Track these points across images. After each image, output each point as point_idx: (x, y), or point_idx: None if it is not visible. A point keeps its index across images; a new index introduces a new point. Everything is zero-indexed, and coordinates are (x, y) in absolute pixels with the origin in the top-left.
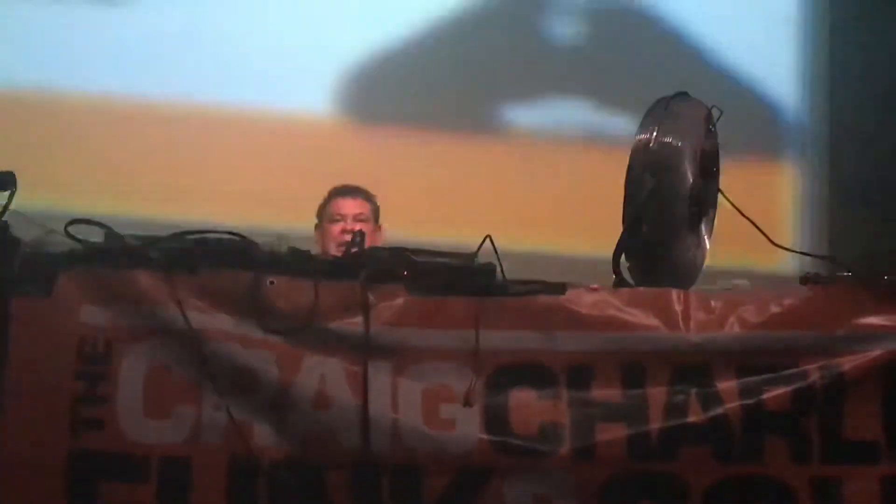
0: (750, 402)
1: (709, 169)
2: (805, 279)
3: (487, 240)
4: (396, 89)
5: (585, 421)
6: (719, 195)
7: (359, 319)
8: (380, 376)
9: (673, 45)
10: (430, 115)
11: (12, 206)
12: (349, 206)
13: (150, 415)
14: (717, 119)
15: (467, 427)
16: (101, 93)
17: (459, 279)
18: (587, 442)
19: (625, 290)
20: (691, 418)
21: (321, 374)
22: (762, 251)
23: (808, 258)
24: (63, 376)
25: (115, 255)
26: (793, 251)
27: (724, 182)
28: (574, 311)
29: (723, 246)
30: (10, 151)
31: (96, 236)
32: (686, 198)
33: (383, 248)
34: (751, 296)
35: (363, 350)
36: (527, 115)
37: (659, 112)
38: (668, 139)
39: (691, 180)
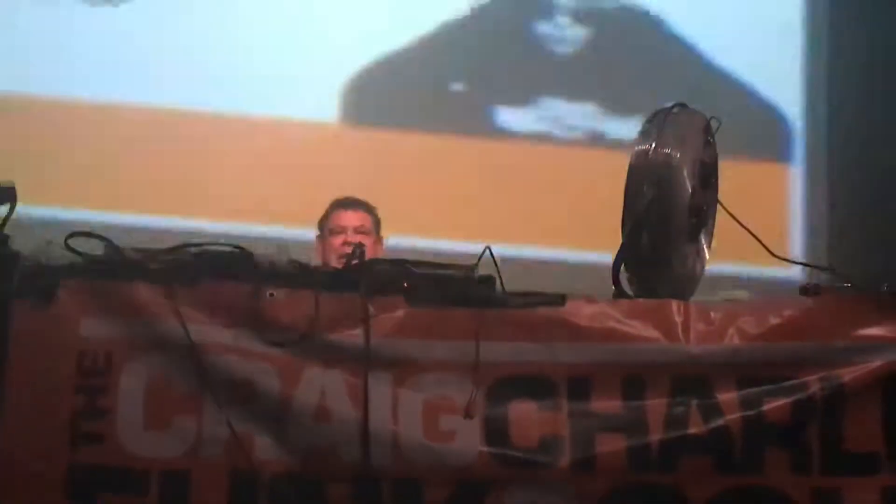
0: (750, 413)
1: (708, 179)
2: (805, 290)
3: (487, 251)
4: (398, 94)
5: (585, 432)
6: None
7: (359, 331)
8: (380, 388)
9: (675, 49)
10: (433, 120)
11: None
12: (350, 219)
13: (150, 428)
14: (716, 130)
15: (468, 439)
16: (103, 99)
17: (460, 291)
18: (587, 454)
19: (624, 302)
20: (691, 430)
21: (321, 386)
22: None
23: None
24: (62, 389)
25: (114, 267)
26: (791, 262)
27: (726, 188)
28: (574, 323)
29: (727, 251)
30: (13, 157)
31: (96, 248)
32: (685, 209)
33: (383, 260)
34: (750, 307)
35: (363, 362)
36: (529, 120)
37: (658, 123)
38: (667, 150)
39: (690, 191)
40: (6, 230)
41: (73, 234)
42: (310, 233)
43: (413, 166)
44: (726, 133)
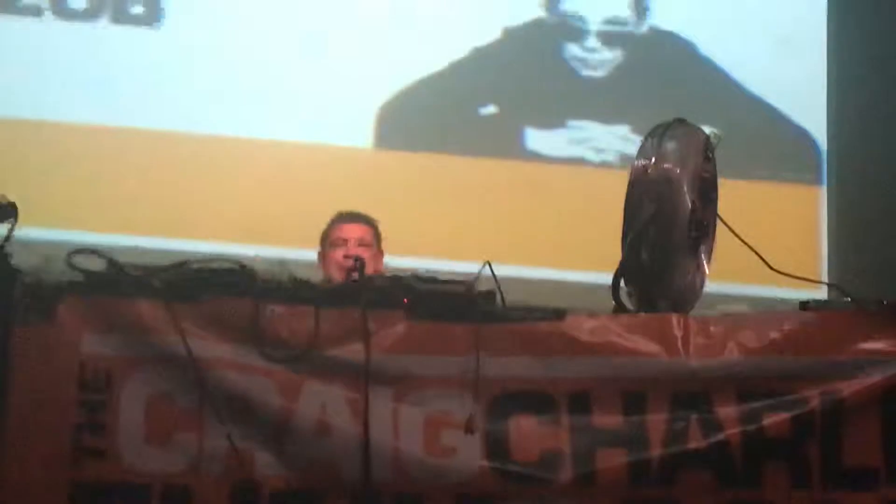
0: (750, 427)
1: (708, 194)
2: (805, 305)
3: (487, 266)
4: (431, 118)
5: (586, 447)
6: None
7: (359, 347)
8: (380, 403)
9: (704, 72)
10: (465, 143)
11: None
12: (352, 231)
13: (151, 443)
14: (716, 145)
15: (468, 454)
16: (144, 125)
17: (459, 306)
18: (588, 468)
19: (625, 317)
20: (691, 444)
21: (322, 401)
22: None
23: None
24: (64, 405)
25: (115, 283)
26: (792, 276)
27: (759, 209)
28: (574, 338)
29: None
30: (21, 176)
31: (96, 264)
32: (685, 224)
33: (383, 276)
34: (750, 321)
35: (363, 377)
36: (560, 143)
37: (657, 138)
38: (667, 166)
39: (690, 206)
40: (7, 247)
41: (74, 251)
42: None
43: (446, 190)
44: (757, 155)
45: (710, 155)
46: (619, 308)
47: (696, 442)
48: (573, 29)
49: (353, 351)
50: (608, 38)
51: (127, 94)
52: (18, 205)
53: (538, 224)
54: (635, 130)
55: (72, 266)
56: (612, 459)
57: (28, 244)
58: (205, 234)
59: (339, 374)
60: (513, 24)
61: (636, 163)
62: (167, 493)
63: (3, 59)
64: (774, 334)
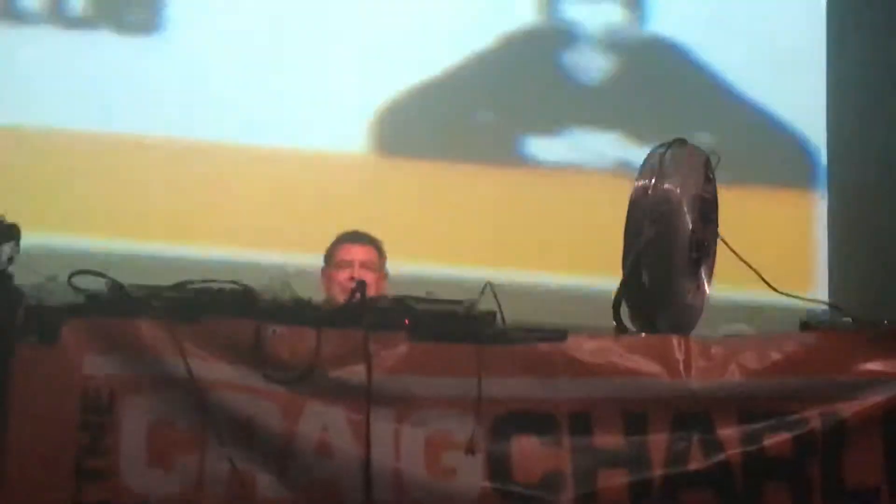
0: (751, 448)
1: (708, 215)
2: (805, 325)
3: (488, 287)
4: (427, 124)
5: (587, 468)
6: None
7: (361, 368)
8: (382, 424)
9: (700, 79)
10: (461, 150)
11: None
12: (357, 253)
13: (153, 465)
14: (716, 166)
15: (470, 475)
16: (130, 131)
17: (461, 327)
18: (589, 489)
19: (626, 337)
20: (693, 465)
21: (323, 423)
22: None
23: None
24: (66, 427)
25: (117, 305)
26: (792, 296)
27: (752, 216)
28: (575, 359)
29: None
30: (20, 184)
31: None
32: (685, 245)
33: (385, 297)
34: (751, 342)
35: (365, 398)
36: (556, 149)
37: (657, 159)
38: (667, 186)
39: (690, 227)
40: (9, 269)
41: (76, 273)
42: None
43: (442, 196)
44: (752, 162)
45: (711, 175)
46: (620, 328)
47: (697, 462)
48: (570, 36)
49: (354, 372)
50: (605, 45)
51: (125, 101)
52: (17, 212)
53: (535, 230)
54: (632, 137)
55: (73, 287)
56: (614, 480)
57: (30, 259)
58: (205, 240)
59: (340, 395)
60: (509, 30)
61: (636, 183)
62: None
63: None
64: (775, 355)
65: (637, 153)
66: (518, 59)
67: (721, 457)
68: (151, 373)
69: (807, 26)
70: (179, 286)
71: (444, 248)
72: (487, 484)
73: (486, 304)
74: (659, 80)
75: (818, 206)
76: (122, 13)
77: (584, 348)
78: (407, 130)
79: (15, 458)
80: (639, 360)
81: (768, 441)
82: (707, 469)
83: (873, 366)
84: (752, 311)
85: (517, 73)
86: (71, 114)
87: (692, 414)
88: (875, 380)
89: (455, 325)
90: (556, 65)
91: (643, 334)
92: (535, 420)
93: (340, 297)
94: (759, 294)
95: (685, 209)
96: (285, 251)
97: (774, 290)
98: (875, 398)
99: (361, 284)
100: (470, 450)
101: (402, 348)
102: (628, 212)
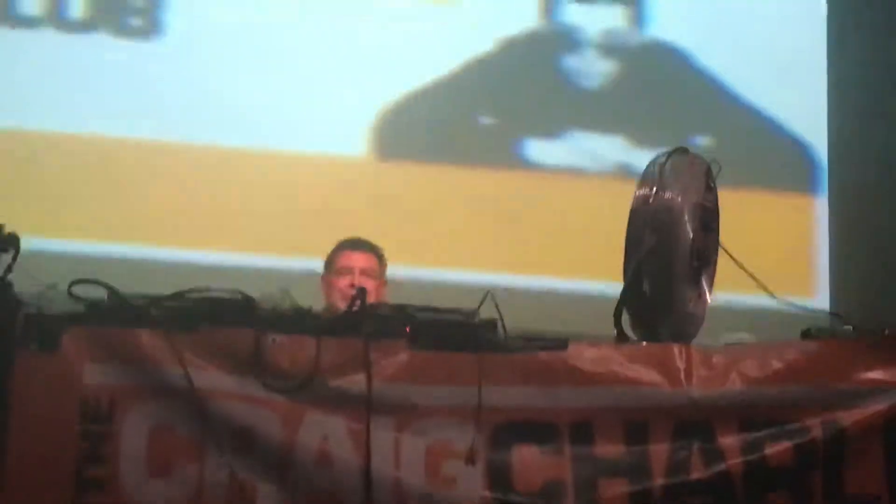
0: (752, 457)
1: (709, 223)
2: (806, 334)
3: (489, 296)
4: (427, 128)
5: (588, 477)
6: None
7: (361, 376)
8: (382, 433)
9: (701, 83)
10: (461, 153)
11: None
12: (357, 260)
13: (153, 474)
14: (717, 174)
15: (470, 484)
16: (131, 135)
17: (461, 335)
18: (590, 498)
19: (627, 346)
20: (694, 474)
21: (323, 432)
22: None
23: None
24: (66, 436)
25: (117, 314)
26: (795, 306)
27: (753, 220)
28: (576, 367)
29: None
30: (22, 187)
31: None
32: (686, 253)
33: (385, 305)
34: (752, 351)
35: (365, 407)
36: (557, 153)
37: (658, 168)
38: (668, 195)
39: (691, 236)
40: (9, 278)
41: (76, 281)
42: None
43: (442, 199)
44: (752, 166)
45: (712, 184)
46: (622, 337)
47: (698, 471)
48: (570, 40)
49: (354, 381)
50: (605, 50)
51: (125, 105)
52: (16, 215)
53: (535, 233)
54: (632, 141)
55: (73, 296)
56: (615, 489)
57: (31, 263)
58: (204, 244)
59: (340, 404)
60: (510, 34)
61: (637, 191)
62: None
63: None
64: (776, 364)
65: (638, 157)
66: (518, 62)
67: (722, 466)
68: (151, 382)
69: (807, 28)
70: (179, 295)
71: (445, 252)
72: (488, 493)
73: (486, 312)
74: (659, 84)
75: (819, 209)
76: (121, 17)
77: (584, 357)
78: (407, 134)
79: (15, 466)
80: (640, 369)
81: (769, 450)
82: (708, 478)
83: (874, 374)
84: (753, 317)
85: (518, 77)
86: (70, 117)
87: (693, 423)
88: (876, 388)
89: (455, 334)
90: (557, 69)
91: (644, 343)
92: (536, 429)
93: (341, 304)
94: (760, 300)
95: (686, 218)
96: (285, 255)
97: (775, 297)
98: (876, 406)
99: (361, 292)
100: (470, 459)
101: (403, 357)
102: (629, 220)
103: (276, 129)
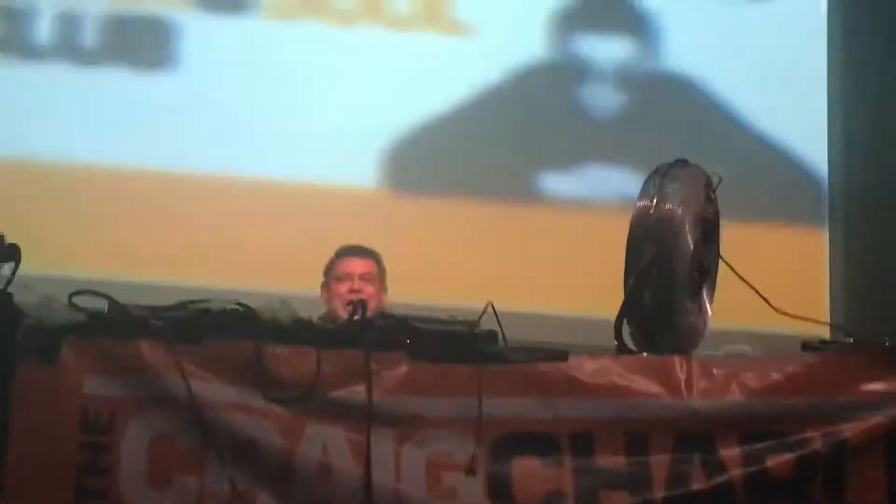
0: (753, 469)
1: (710, 235)
2: (806, 345)
3: (490, 307)
4: (440, 159)
5: (589, 489)
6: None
7: (361, 388)
8: (382, 445)
9: (716, 114)
10: (474, 185)
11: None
12: (357, 266)
13: (152, 485)
14: (717, 185)
15: (470, 496)
16: (111, 164)
17: (462, 347)
18: None
19: (627, 358)
20: (695, 486)
21: (323, 443)
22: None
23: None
24: (66, 446)
25: (118, 324)
26: (794, 316)
27: (768, 252)
28: (576, 379)
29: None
30: (27, 218)
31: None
32: (687, 265)
33: (385, 316)
34: (753, 363)
35: (366, 419)
36: (570, 184)
37: (659, 179)
38: (669, 206)
39: (692, 247)
40: (9, 288)
41: (77, 292)
42: None
43: (454, 231)
44: (765, 197)
45: (712, 195)
46: (622, 349)
47: (699, 483)
48: (583, 71)
49: (355, 392)
50: (618, 81)
51: (133, 135)
52: (26, 247)
53: (548, 266)
54: (644, 172)
55: (74, 307)
56: (615, 501)
57: (30, 284)
58: (214, 275)
59: (341, 415)
60: (521, 65)
61: (638, 203)
62: None
63: (10, 102)
64: (777, 375)
65: None
66: (532, 93)
67: (723, 477)
68: (152, 393)
69: (820, 58)
70: (180, 306)
71: (458, 284)
72: None
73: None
74: (672, 115)
75: (833, 242)
76: (132, 48)
77: (585, 368)
78: (419, 166)
79: (15, 477)
80: (640, 381)
81: (770, 462)
82: (709, 490)
83: (875, 386)
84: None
85: (531, 108)
86: (81, 148)
87: (694, 434)
88: (877, 400)
89: (456, 345)
90: (570, 100)
91: (644, 354)
92: (536, 441)
93: (341, 310)
94: (763, 325)
95: (687, 229)
96: (296, 286)
97: (774, 308)
98: (877, 418)
99: (362, 303)
100: (471, 471)
101: (403, 368)
102: (630, 232)
103: (289, 159)
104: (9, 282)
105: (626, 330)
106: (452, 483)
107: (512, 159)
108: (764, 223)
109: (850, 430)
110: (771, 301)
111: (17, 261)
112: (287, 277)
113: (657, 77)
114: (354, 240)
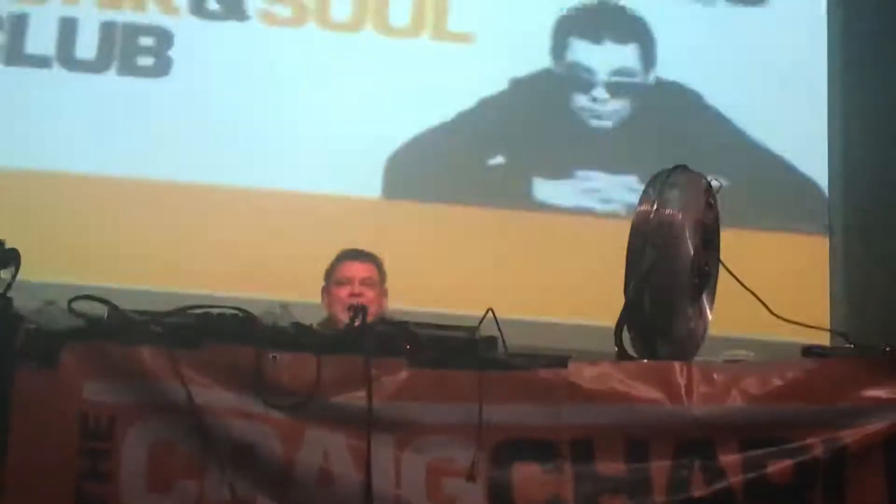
0: (753, 475)
1: (710, 240)
2: (807, 351)
3: (490, 313)
4: (438, 168)
5: (589, 495)
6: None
7: (361, 394)
8: (382, 451)
9: (712, 123)
10: (472, 194)
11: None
12: (357, 270)
13: (152, 491)
14: (718, 191)
15: (471, 502)
16: (113, 174)
17: (462, 353)
18: None
19: (627, 364)
20: (695, 492)
21: (324, 449)
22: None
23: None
24: (66, 452)
25: (117, 330)
26: (793, 322)
27: (770, 260)
28: (577, 385)
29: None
30: (29, 227)
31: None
32: (687, 270)
33: (385, 322)
34: (753, 369)
35: (366, 425)
36: (568, 193)
37: (659, 185)
38: (669, 212)
39: (692, 252)
40: (9, 294)
41: (76, 297)
42: None
43: (454, 240)
44: (765, 206)
45: (712, 201)
46: (622, 354)
47: (699, 489)
48: (581, 80)
49: (355, 398)
50: (616, 89)
51: (134, 144)
52: (29, 256)
53: (547, 274)
54: (643, 181)
55: (73, 312)
56: None
57: (31, 291)
58: (212, 284)
59: (341, 421)
60: (520, 74)
61: (638, 209)
62: None
63: (11, 110)
64: (777, 382)
65: None
66: (530, 102)
67: (723, 483)
68: (152, 398)
69: (820, 65)
70: (180, 312)
71: (454, 293)
72: None
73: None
74: (671, 124)
75: (834, 250)
76: (130, 57)
77: (585, 374)
78: (419, 174)
79: (15, 482)
80: (640, 386)
81: (770, 468)
82: (709, 496)
83: (875, 392)
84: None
85: (529, 117)
86: (80, 157)
87: (694, 440)
88: (877, 406)
89: (456, 351)
90: (568, 109)
91: (645, 360)
92: (537, 447)
93: (341, 315)
94: (764, 333)
95: (687, 234)
96: (298, 295)
97: (774, 314)
98: (877, 425)
99: (362, 309)
100: (471, 477)
101: (403, 374)
102: (630, 238)
103: (288, 168)
104: (9, 286)
105: (626, 336)
106: (453, 489)
107: (512, 167)
108: (764, 230)
109: (850, 436)
110: (772, 308)
111: (17, 265)
112: (290, 286)
113: (655, 85)
114: (352, 247)
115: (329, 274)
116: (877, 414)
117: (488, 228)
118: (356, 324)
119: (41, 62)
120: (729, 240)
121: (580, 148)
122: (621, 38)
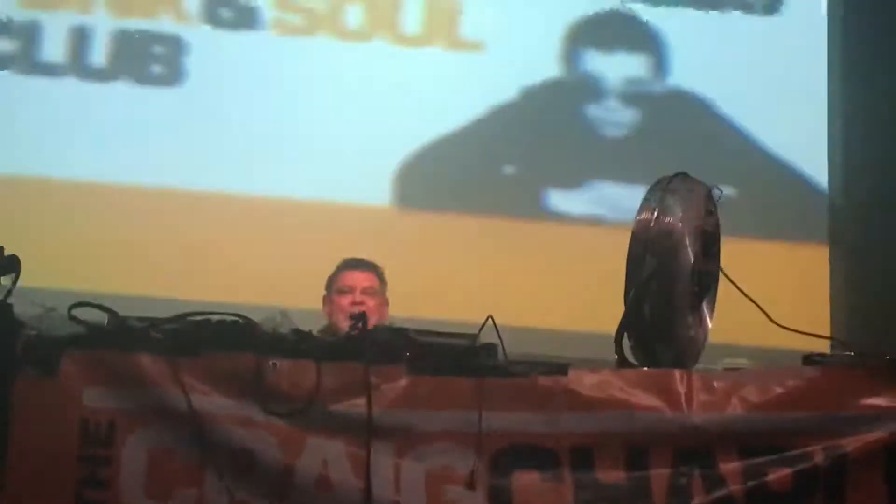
0: (753, 483)
1: (710, 248)
2: (807, 359)
3: (489, 320)
4: (450, 177)
5: (589, 503)
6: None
7: (361, 401)
8: (382, 459)
9: (724, 132)
10: (484, 203)
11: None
12: (358, 279)
13: (152, 498)
14: (719, 199)
15: None
16: (124, 181)
17: (462, 360)
18: None
19: (627, 371)
20: (695, 500)
21: (323, 456)
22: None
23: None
24: (66, 459)
25: (117, 337)
26: (793, 330)
27: (774, 269)
28: (576, 392)
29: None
30: (36, 234)
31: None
32: (687, 278)
33: (385, 329)
34: (753, 376)
35: (366, 432)
36: (580, 202)
37: (659, 192)
38: (669, 219)
39: (692, 260)
40: (9, 300)
41: (76, 304)
42: None
43: (465, 249)
44: (775, 214)
45: (713, 209)
46: (622, 362)
47: (699, 497)
48: (593, 89)
49: (355, 405)
50: (628, 98)
51: (144, 152)
52: (30, 262)
53: (558, 283)
54: None
55: (73, 319)
56: None
57: (31, 297)
58: (217, 291)
59: (341, 429)
60: (532, 83)
61: (638, 217)
62: None
63: (20, 117)
64: (778, 389)
65: None
66: (541, 111)
67: (723, 491)
68: (151, 405)
69: (820, 73)
70: (179, 318)
71: (465, 302)
72: None
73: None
74: (682, 133)
75: (843, 260)
76: (142, 65)
77: (585, 382)
78: (430, 183)
79: (14, 489)
80: (640, 394)
81: (771, 476)
82: None
83: (875, 400)
84: (754, 356)
85: (540, 126)
86: (85, 163)
87: (694, 448)
88: (877, 414)
89: (456, 359)
90: (580, 118)
91: (645, 368)
92: (537, 454)
93: (343, 323)
94: (764, 341)
95: (687, 242)
96: (307, 305)
97: (773, 321)
98: (877, 433)
99: (362, 316)
100: (471, 484)
101: (403, 382)
102: (630, 245)
103: (298, 177)
104: (9, 293)
105: (626, 344)
106: (452, 497)
107: (522, 177)
108: (765, 239)
109: (850, 444)
110: (772, 316)
111: (17, 272)
112: (296, 295)
113: (667, 94)
114: (366, 257)
115: (331, 282)
116: (877, 422)
117: (500, 237)
118: (356, 331)
119: (53, 70)
120: (729, 247)
121: (592, 157)
122: (632, 48)
